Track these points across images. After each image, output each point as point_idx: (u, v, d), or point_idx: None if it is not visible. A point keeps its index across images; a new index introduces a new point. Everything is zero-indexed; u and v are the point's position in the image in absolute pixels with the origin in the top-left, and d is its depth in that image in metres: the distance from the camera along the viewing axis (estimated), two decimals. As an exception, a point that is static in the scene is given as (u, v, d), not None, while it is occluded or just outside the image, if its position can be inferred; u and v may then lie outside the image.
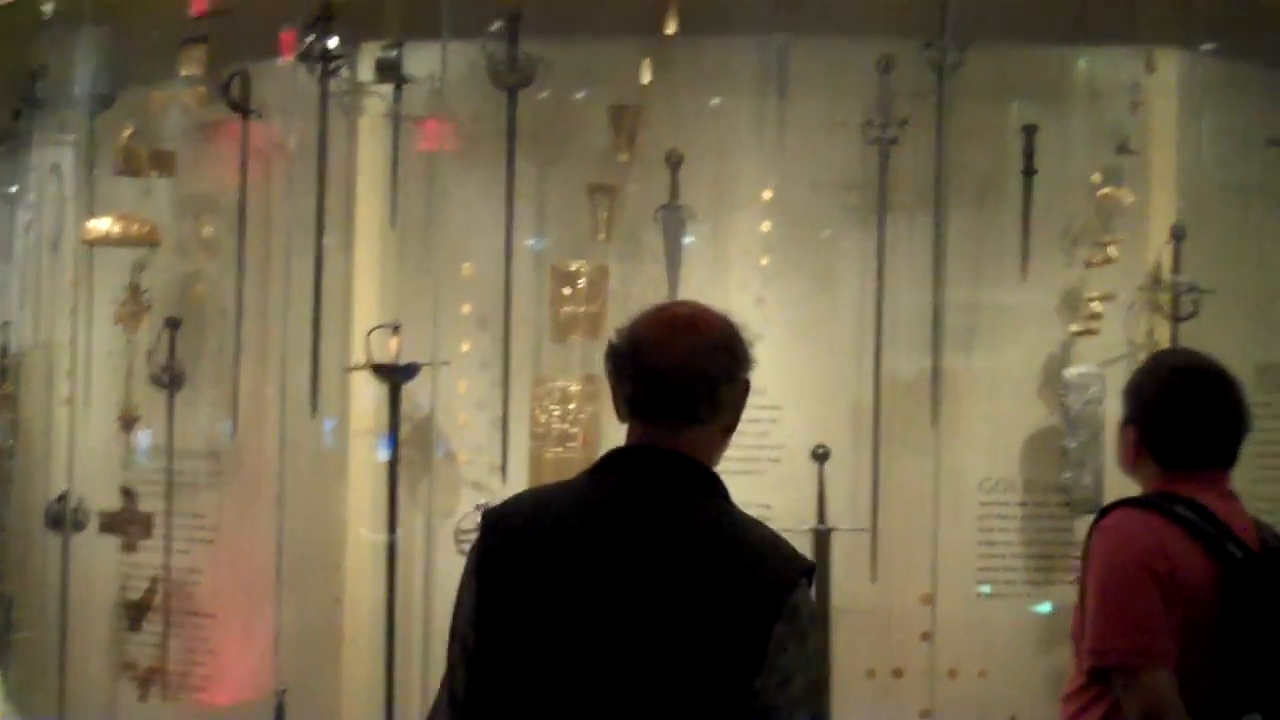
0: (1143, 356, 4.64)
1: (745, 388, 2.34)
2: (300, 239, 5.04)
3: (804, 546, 4.19)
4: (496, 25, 4.72)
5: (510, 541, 2.26)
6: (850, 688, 4.49)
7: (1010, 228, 4.76)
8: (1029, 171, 4.67)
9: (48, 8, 5.47)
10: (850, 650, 4.52)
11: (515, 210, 4.73)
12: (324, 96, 4.94)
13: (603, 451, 4.08)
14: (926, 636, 4.54)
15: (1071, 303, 4.77)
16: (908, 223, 4.72)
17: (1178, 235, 4.70)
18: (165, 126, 5.33)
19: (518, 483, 4.70)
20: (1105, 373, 4.65)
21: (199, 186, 5.35)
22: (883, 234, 4.61)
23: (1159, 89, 4.79)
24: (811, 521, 4.51)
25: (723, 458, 2.35)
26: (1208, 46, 4.78)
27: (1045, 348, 4.77)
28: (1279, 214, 4.90)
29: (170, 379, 5.22)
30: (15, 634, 5.91)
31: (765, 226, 4.69)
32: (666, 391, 2.26)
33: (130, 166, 5.25)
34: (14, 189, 6.40)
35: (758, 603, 2.12)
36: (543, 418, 4.58)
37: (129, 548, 5.30)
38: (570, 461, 4.55)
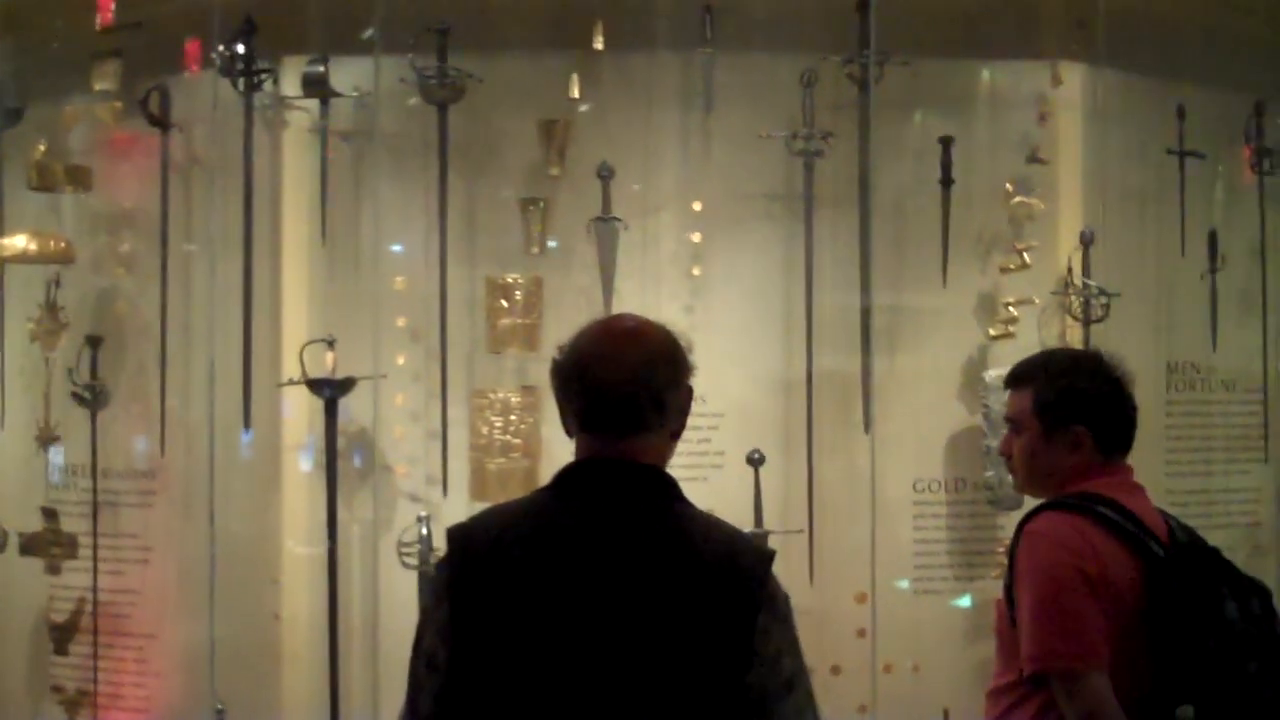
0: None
1: (689, 394, 2.43)
2: (222, 253, 5.03)
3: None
4: (414, 41, 4.71)
5: (481, 561, 2.30)
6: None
7: (927, 235, 4.92)
8: (946, 181, 4.84)
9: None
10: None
11: (447, 224, 4.75)
12: (248, 110, 4.92)
13: (545, 461, 4.22)
14: (862, 634, 4.68)
15: (988, 307, 4.96)
16: (830, 231, 4.86)
17: (1086, 241, 4.91)
18: (77, 141, 5.25)
19: (458, 494, 4.77)
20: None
21: (114, 201, 5.29)
22: (810, 243, 4.74)
23: (1064, 102, 4.99)
24: (750, 525, 4.61)
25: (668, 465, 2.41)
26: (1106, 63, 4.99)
27: (964, 350, 4.94)
28: (1178, 220, 5.12)
29: (93, 396, 5.14)
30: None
31: (696, 237, 4.79)
32: (615, 403, 2.33)
33: (45, 182, 5.16)
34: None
35: (738, 598, 2.22)
36: (484, 429, 4.63)
37: (52, 569, 5.20)
38: (513, 472, 4.63)
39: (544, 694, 2.21)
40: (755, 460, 4.70)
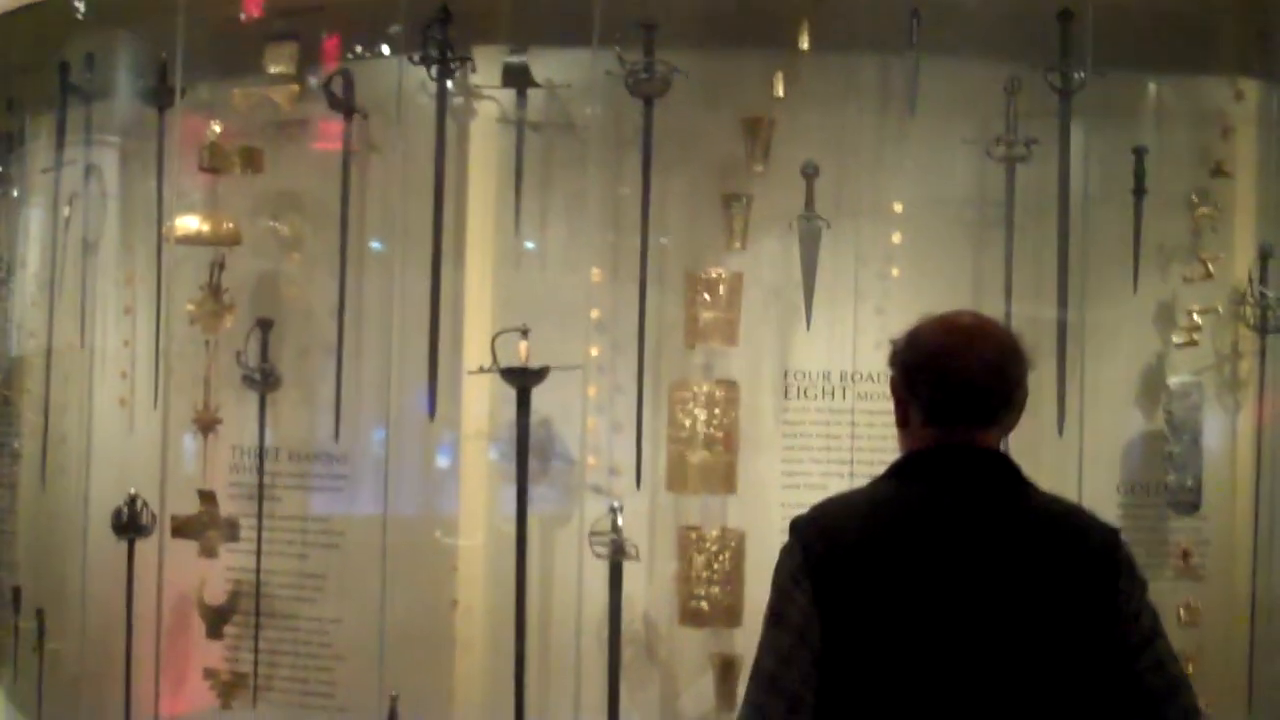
0: (1229, 367, 4.97)
1: (1026, 393, 2.52)
2: (398, 240, 5.01)
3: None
4: (621, 35, 4.70)
5: (846, 543, 2.38)
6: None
7: (1107, 243, 4.95)
8: (1139, 191, 4.88)
9: (80, 5, 5.32)
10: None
11: (649, 216, 4.75)
12: (441, 98, 4.90)
13: (743, 454, 4.23)
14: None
15: (1165, 315, 5.01)
16: (1020, 237, 4.89)
17: (1266, 253, 4.99)
18: (248, 123, 5.18)
19: (653, 486, 4.75)
20: (1203, 380, 4.92)
21: (283, 185, 5.22)
22: (1010, 249, 4.77)
23: (1243, 116, 5.06)
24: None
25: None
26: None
27: (1143, 358, 4.99)
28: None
29: (263, 379, 5.08)
30: (46, 643, 5.70)
31: (895, 238, 4.81)
32: (970, 395, 2.43)
33: (217, 162, 5.11)
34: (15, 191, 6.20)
35: (1100, 567, 2.37)
36: (686, 421, 4.62)
37: (208, 552, 5.13)
38: (715, 465, 4.62)
39: (925, 670, 2.30)
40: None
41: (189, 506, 5.16)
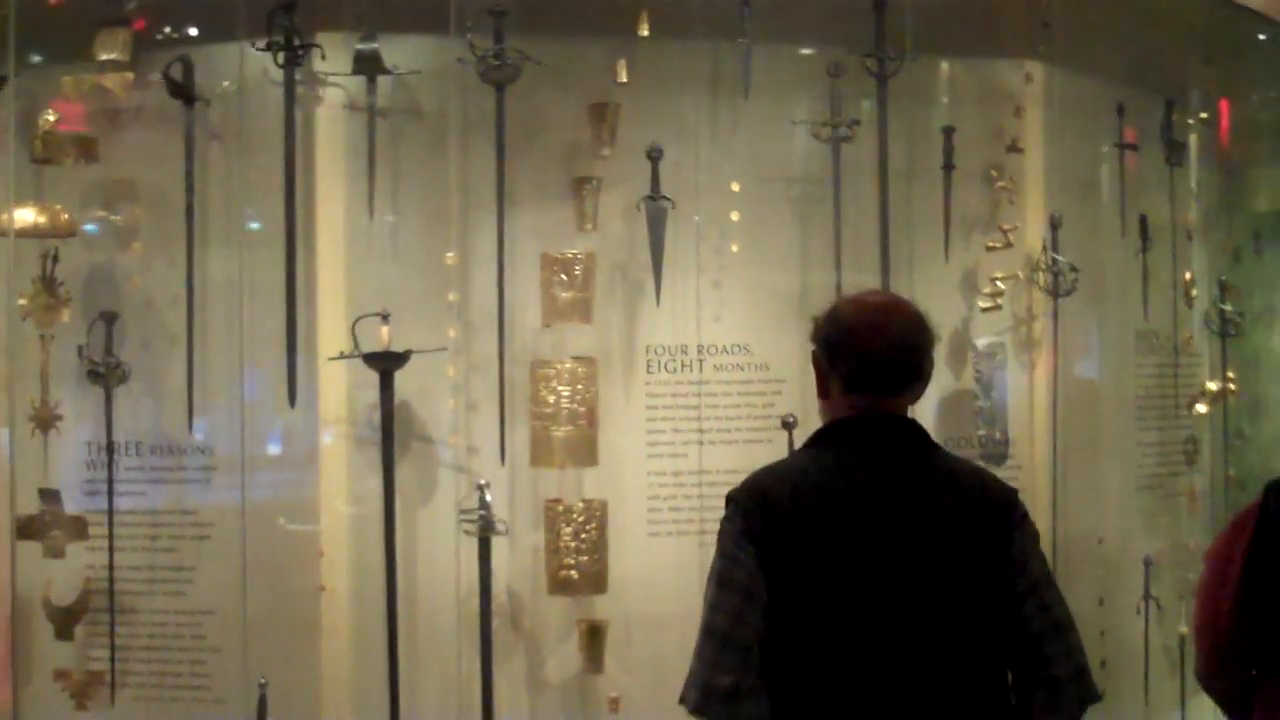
0: (1025, 328, 5.45)
1: (932, 364, 2.88)
2: (232, 228, 5.03)
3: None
4: (471, 23, 4.83)
5: (783, 509, 2.69)
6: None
7: (918, 216, 5.35)
8: (948, 167, 5.30)
9: None
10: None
11: (505, 200, 4.90)
12: (289, 85, 4.92)
13: (603, 428, 4.46)
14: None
15: (970, 282, 5.46)
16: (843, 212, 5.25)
17: (1056, 223, 5.48)
18: (78, 111, 5.09)
19: (520, 462, 4.92)
20: (1005, 340, 5.40)
21: (118, 174, 5.14)
22: (838, 223, 5.11)
23: (1032, 96, 5.54)
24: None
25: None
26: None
27: (951, 322, 5.42)
28: (1126, 206, 5.77)
29: (108, 373, 5.02)
30: None
31: (734, 216, 5.09)
32: (884, 366, 2.79)
33: (50, 153, 4.99)
34: None
35: (999, 521, 2.75)
36: (550, 398, 4.80)
37: (54, 553, 5.04)
38: (580, 439, 4.82)
39: (856, 612, 2.64)
40: (789, 424, 5.02)
41: (30, 507, 5.04)
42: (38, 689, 5.05)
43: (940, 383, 5.41)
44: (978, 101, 5.48)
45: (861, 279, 5.15)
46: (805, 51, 5.23)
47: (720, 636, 2.64)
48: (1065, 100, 5.57)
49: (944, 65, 5.45)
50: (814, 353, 2.87)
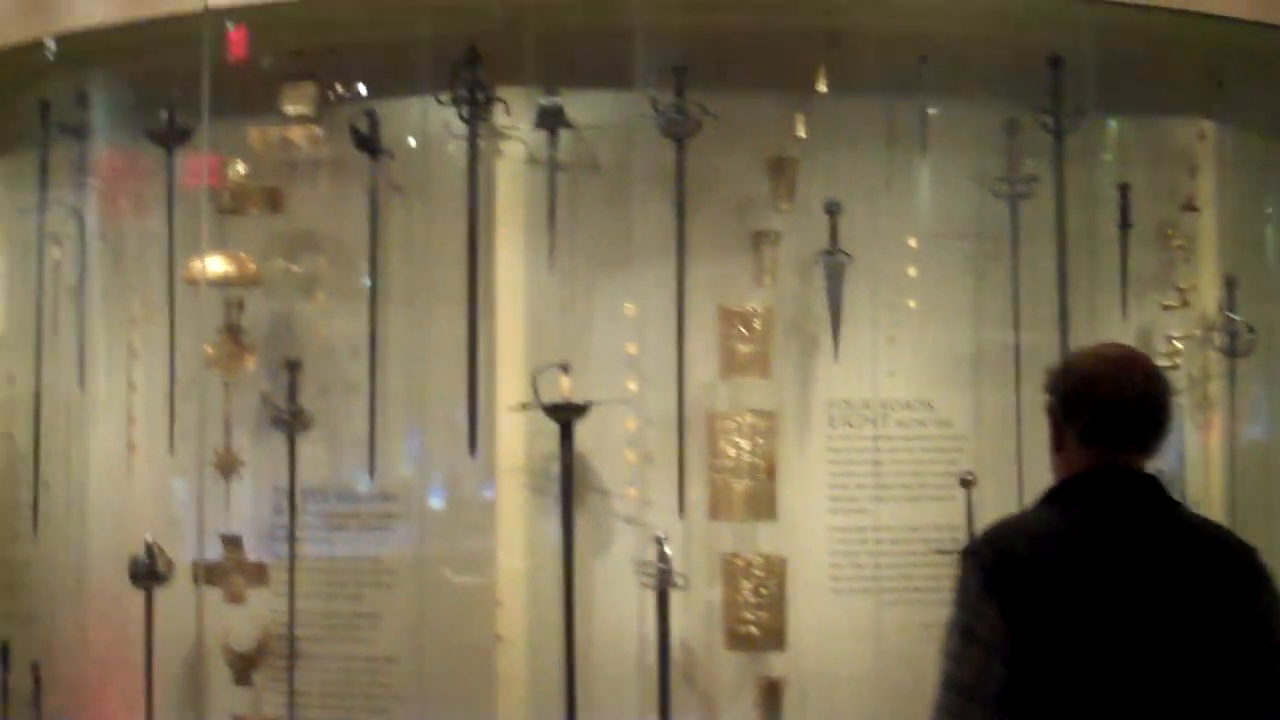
0: (1200, 389, 5.38)
1: (1172, 418, 2.77)
2: (414, 279, 5.11)
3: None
4: (656, 78, 4.90)
5: (1024, 564, 2.61)
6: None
7: (1093, 274, 5.31)
8: (1125, 225, 5.26)
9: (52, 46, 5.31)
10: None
11: (685, 253, 4.94)
12: (473, 138, 5.01)
13: (780, 482, 4.44)
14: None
15: (1145, 340, 5.39)
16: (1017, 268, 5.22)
17: (1232, 282, 5.42)
18: (264, 164, 5.21)
19: (695, 515, 4.92)
20: (1182, 401, 5.32)
21: (296, 225, 5.26)
22: (1016, 280, 5.09)
23: (1206, 155, 5.50)
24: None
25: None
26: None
27: (1126, 381, 5.34)
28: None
29: (292, 420, 5.11)
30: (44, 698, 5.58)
31: (912, 271, 5.09)
32: (1128, 418, 2.69)
33: (238, 204, 5.12)
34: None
35: (1244, 578, 2.65)
36: (731, 451, 4.81)
37: (233, 598, 5.12)
38: (759, 492, 4.82)
39: (1103, 670, 2.54)
40: (967, 482, 4.99)
41: (211, 553, 5.13)
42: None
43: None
44: (1151, 159, 5.44)
45: (1038, 337, 5.12)
46: (982, 108, 5.18)
47: (966, 690, 2.61)
48: (1238, 158, 5.51)
49: (1115, 123, 5.39)
50: (1049, 404, 2.82)
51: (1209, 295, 5.46)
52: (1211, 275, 5.48)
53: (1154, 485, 2.74)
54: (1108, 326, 5.25)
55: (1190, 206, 5.42)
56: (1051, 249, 5.14)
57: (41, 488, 5.63)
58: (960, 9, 5.05)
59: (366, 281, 5.15)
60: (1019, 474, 5.03)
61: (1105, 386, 2.71)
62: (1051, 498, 2.77)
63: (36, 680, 5.59)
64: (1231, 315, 5.41)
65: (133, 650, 5.28)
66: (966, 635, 2.62)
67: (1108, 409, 2.69)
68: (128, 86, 5.48)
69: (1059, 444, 2.79)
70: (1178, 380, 5.35)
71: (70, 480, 5.63)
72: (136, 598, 5.21)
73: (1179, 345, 5.33)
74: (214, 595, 5.12)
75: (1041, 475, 4.80)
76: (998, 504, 4.94)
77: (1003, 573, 2.62)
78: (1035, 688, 2.58)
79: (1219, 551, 2.70)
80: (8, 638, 5.73)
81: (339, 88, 5.17)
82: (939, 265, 5.19)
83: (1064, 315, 5.13)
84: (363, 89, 5.19)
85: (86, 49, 5.36)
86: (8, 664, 5.72)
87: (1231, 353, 5.40)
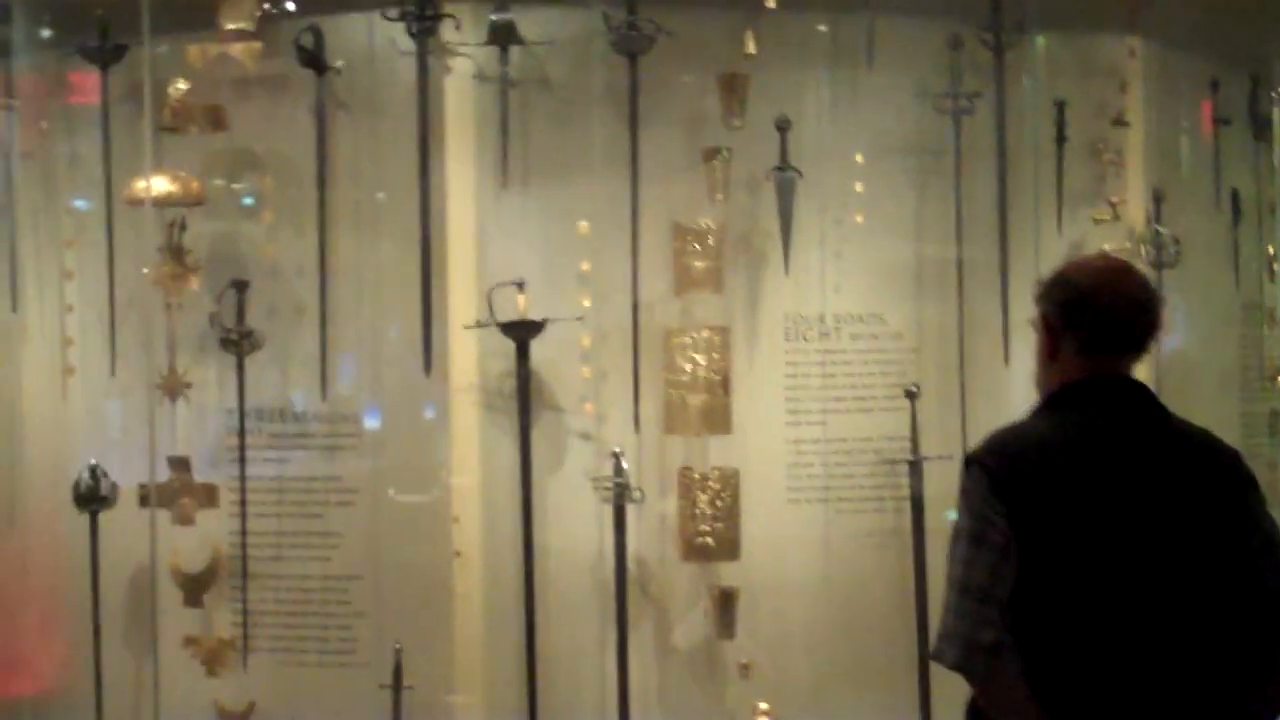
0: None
1: (1161, 327, 2.94)
2: (361, 197, 5.08)
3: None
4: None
5: (1031, 470, 2.73)
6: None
7: (1021, 186, 5.42)
8: (1061, 140, 5.40)
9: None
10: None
11: (639, 170, 4.96)
12: (422, 53, 4.96)
13: (736, 396, 4.50)
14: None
15: (1078, 254, 5.52)
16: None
17: (1158, 197, 5.58)
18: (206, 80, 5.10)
19: (652, 430, 4.99)
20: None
21: (238, 143, 5.17)
22: (958, 196, 5.21)
23: (1136, 71, 5.64)
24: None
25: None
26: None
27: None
28: (1225, 183, 5.88)
29: (239, 341, 5.05)
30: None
31: (859, 187, 5.17)
32: (1123, 328, 2.83)
33: (179, 122, 5.02)
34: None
35: (1234, 480, 2.83)
36: (687, 366, 4.87)
37: (183, 520, 5.09)
38: (715, 407, 4.89)
39: (1107, 570, 2.69)
40: (911, 394, 5.12)
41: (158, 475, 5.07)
42: (167, 657, 5.05)
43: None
44: (1083, 75, 5.55)
45: (980, 251, 5.24)
46: (924, 24, 5.26)
47: (980, 592, 2.70)
48: (1164, 74, 5.66)
49: (1049, 40, 5.48)
50: (1042, 315, 2.91)
51: (1137, 209, 5.60)
52: (1139, 189, 5.62)
53: (1147, 393, 2.87)
54: (1044, 241, 5.38)
55: (1120, 121, 5.55)
56: (989, 163, 5.27)
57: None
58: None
59: (314, 199, 5.05)
60: (960, 384, 5.19)
61: (1105, 297, 2.81)
62: (1050, 405, 2.88)
63: (-26, 610, 5.51)
64: (1159, 228, 5.56)
65: (73, 575, 5.22)
66: (976, 540, 2.72)
67: (1109, 319, 2.80)
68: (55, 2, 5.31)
69: (1053, 353, 2.89)
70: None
71: (2, 403, 5.50)
72: (75, 521, 5.14)
73: (1110, 258, 5.46)
74: (162, 517, 5.05)
75: (983, 383, 5.06)
76: (941, 413, 5.11)
77: (1010, 478, 2.72)
78: (1042, 588, 2.69)
79: (1210, 455, 2.85)
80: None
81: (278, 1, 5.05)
82: (883, 181, 5.26)
83: (1004, 229, 5.26)
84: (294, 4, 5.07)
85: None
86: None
87: (1159, 265, 5.56)
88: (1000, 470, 2.74)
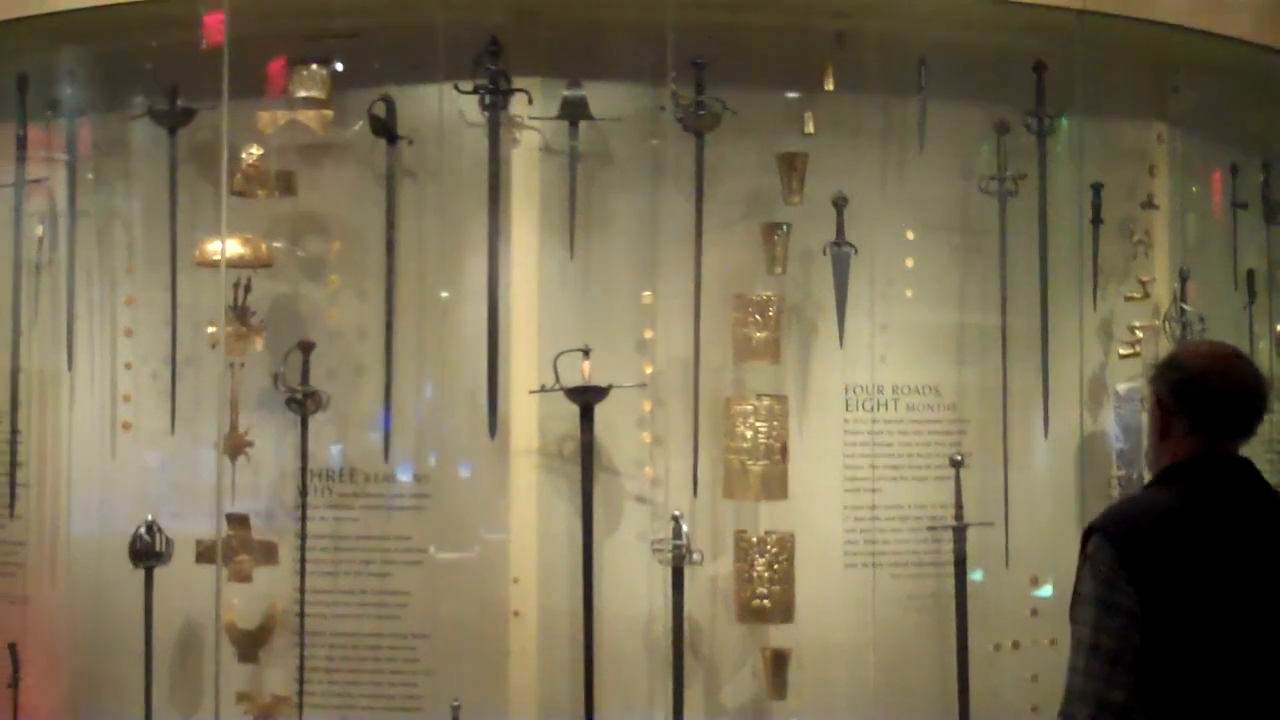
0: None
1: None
2: (426, 264, 5.20)
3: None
4: (676, 73, 5.05)
5: (1153, 540, 2.89)
6: (984, 658, 5.31)
7: (1057, 263, 5.64)
8: (1096, 221, 5.61)
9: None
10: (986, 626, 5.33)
11: (702, 243, 5.12)
12: (494, 127, 5.11)
13: (793, 464, 4.67)
14: (1035, 613, 5.43)
15: (1107, 330, 5.76)
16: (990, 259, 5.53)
17: (1184, 276, 5.82)
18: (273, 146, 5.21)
19: (705, 494, 5.12)
20: (1140, 386, 5.71)
21: (304, 207, 5.28)
22: (1004, 271, 5.40)
23: (1162, 156, 5.88)
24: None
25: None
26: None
27: (1089, 368, 5.72)
28: (1241, 264, 6.13)
29: (304, 401, 5.14)
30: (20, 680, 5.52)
31: (909, 263, 5.36)
32: (1239, 409, 3.02)
33: (250, 187, 5.12)
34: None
35: None
36: (748, 434, 5.01)
37: (240, 577, 5.14)
38: (774, 474, 5.04)
39: (1231, 641, 2.84)
40: (956, 463, 5.29)
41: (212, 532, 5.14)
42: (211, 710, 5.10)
43: (1080, 425, 5.70)
44: (1114, 159, 5.78)
45: (1021, 325, 5.44)
46: (969, 108, 5.47)
47: (1110, 654, 2.86)
48: (1188, 161, 5.91)
49: (1083, 125, 5.69)
50: (1155, 396, 3.10)
51: (1164, 287, 5.83)
52: (1166, 268, 5.85)
53: (1253, 469, 3.05)
54: (1078, 315, 5.58)
55: (1150, 204, 5.78)
56: (1024, 239, 5.46)
57: (18, 466, 5.55)
58: (955, 15, 5.29)
59: (382, 266, 5.16)
60: (1004, 454, 5.37)
61: (1218, 381, 3.01)
62: (1162, 480, 3.05)
63: (15, 661, 5.52)
64: (1184, 306, 5.79)
65: (122, 629, 5.27)
66: (1105, 605, 2.87)
67: (1221, 402, 3.00)
68: (127, 64, 5.40)
69: (1165, 432, 3.07)
70: (1139, 367, 5.74)
71: (56, 459, 5.55)
72: (126, 575, 5.19)
73: (1139, 334, 5.69)
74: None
75: (1026, 452, 5.24)
76: (984, 481, 5.29)
77: (1132, 547, 2.88)
78: (1165, 652, 2.86)
79: None
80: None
81: (350, 72, 5.17)
82: (929, 256, 5.45)
83: (1044, 306, 5.45)
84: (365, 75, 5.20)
85: (81, 24, 5.28)
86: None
87: (1184, 341, 5.77)
88: (1124, 539, 2.91)
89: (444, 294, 5.27)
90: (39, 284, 5.60)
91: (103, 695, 5.44)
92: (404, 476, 5.19)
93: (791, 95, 5.25)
